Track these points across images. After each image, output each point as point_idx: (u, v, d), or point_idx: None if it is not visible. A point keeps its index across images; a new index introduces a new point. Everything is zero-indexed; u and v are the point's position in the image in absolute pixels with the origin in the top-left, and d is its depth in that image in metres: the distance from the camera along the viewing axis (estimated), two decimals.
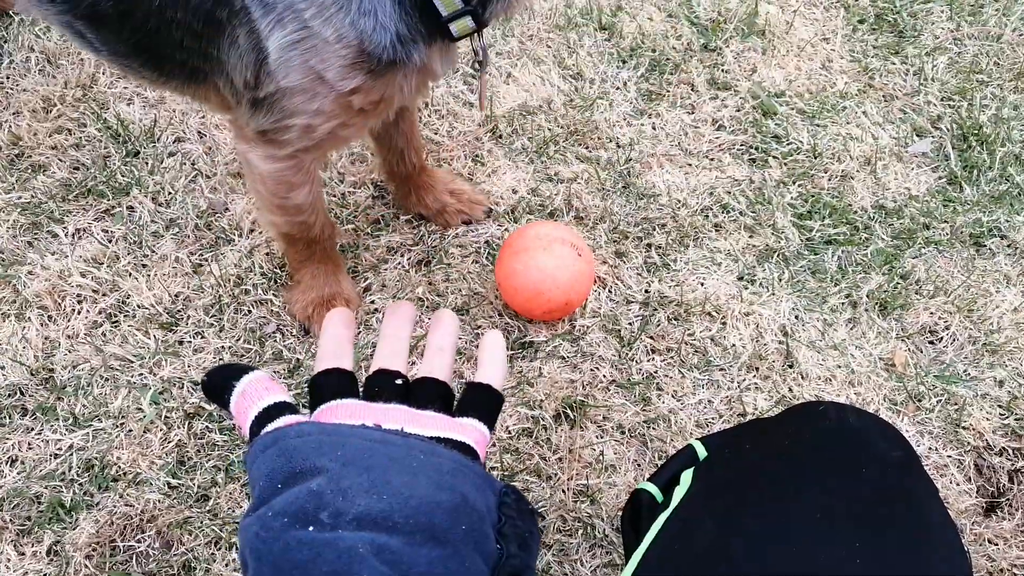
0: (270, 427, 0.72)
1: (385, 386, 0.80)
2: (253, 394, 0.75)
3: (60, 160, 1.72)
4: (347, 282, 1.58)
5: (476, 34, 1.12)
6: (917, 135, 1.97)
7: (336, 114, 1.13)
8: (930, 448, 1.54)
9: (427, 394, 0.80)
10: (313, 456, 0.66)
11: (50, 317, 1.55)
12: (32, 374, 1.49)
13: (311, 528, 0.61)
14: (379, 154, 1.61)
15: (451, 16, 1.06)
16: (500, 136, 1.84)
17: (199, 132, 1.77)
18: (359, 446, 0.68)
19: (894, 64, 2.09)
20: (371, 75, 1.08)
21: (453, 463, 0.70)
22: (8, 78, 1.81)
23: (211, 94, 1.23)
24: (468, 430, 0.77)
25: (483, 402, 0.81)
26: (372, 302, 1.61)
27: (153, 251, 1.63)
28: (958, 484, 1.51)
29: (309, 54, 1.06)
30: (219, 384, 0.77)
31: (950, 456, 1.54)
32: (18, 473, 1.40)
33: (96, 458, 1.42)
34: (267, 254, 1.63)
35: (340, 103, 1.12)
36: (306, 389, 1.45)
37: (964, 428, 1.56)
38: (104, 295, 1.57)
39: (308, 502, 0.62)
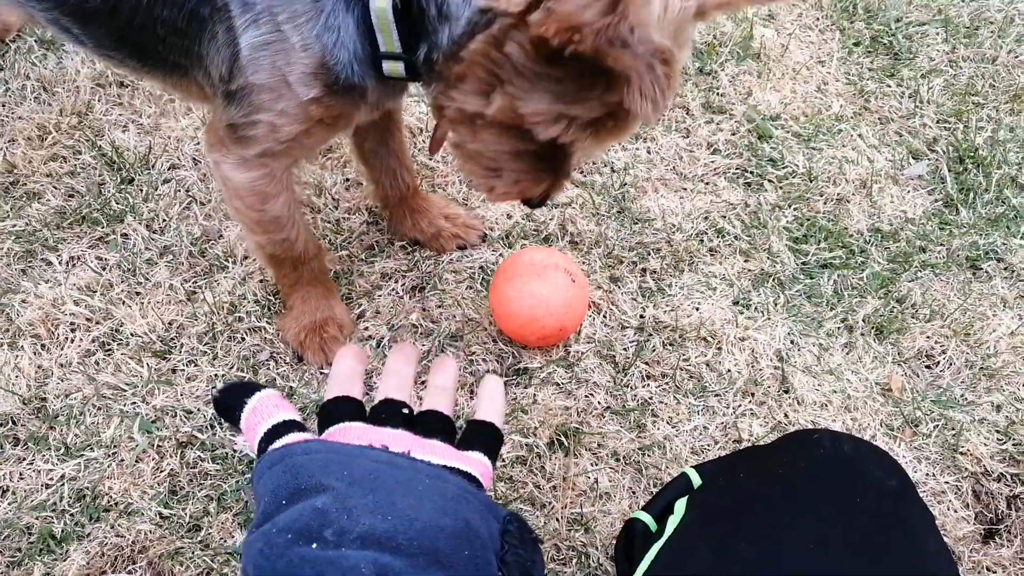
0: (278, 443, 0.73)
1: (391, 414, 0.81)
2: (263, 411, 0.77)
3: (55, 188, 1.72)
4: (340, 307, 1.58)
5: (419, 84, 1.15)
6: (913, 158, 1.97)
7: (299, 119, 1.16)
8: (927, 474, 1.53)
9: (431, 425, 0.81)
10: (319, 474, 0.67)
11: (43, 346, 1.55)
12: (24, 403, 1.49)
13: (315, 545, 0.61)
14: (371, 179, 1.62)
15: (386, 54, 1.09)
16: None
17: (194, 159, 1.78)
18: (366, 467, 0.68)
19: (889, 87, 2.09)
20: (328, 89, 1.12)
21: (458, 489, 0.70)
22: (4, 106, 1.82)
23: (192, 87, 1.27)
24: (473, 462, 0.78)
25: (486, 437, 0.83)
26: (366, 328, 1.61)
27: (147, 279, 1.62)
28: (956, 511, 1.50)
29: (277, 56, 1.09)
30: (231, 400, 0.78)
31: (947, 482, 1.52)
32: (9, 504, 1.39)
33: (87, 488, 1.41)
34: (261, 281, 1.63)
35: (302, 109, 1.15)
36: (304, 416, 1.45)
37: (961, 454, 1.55)
38: (97, 323, 1.57)
39: (313, 519, 0.63)
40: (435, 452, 0.77)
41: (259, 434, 0.75)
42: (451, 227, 1.69)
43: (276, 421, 0.76)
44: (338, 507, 0.63)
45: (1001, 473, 1.54)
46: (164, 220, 1.70)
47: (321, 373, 1.54)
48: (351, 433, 0.77)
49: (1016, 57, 2.18)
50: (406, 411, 0.82)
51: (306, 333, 1.53)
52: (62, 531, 1.37)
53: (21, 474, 1.42)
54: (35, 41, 1.92)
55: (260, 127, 1.18)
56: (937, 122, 2.03)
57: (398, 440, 0.76)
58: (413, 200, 1.65)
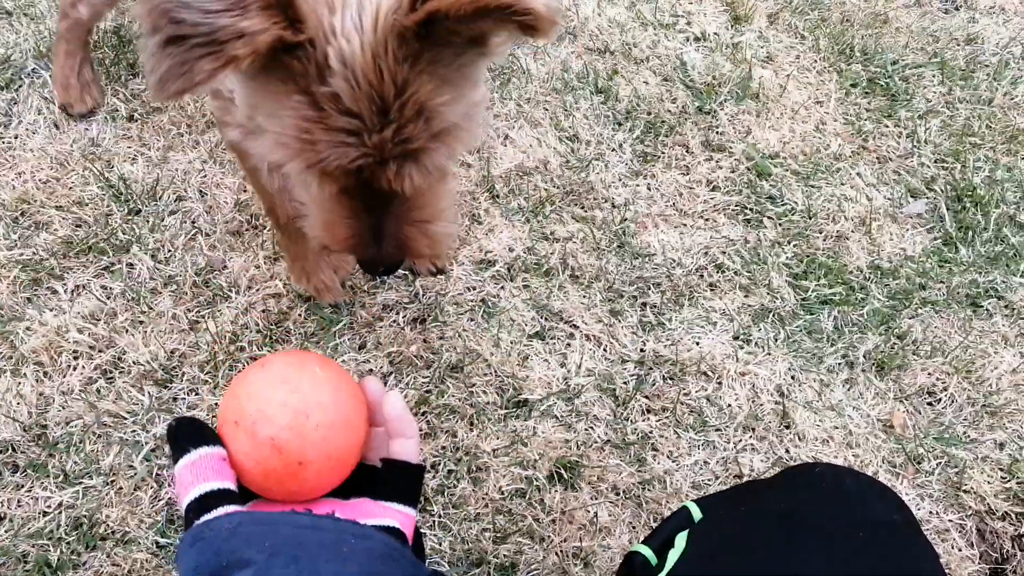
0: (206, 517, 0.73)
1: None
2: (201, 472, 0.75)
3: (63, 218, 1.74)
4: (328, 272, 1.64)
5: None
6: (912, 196, 1.99)
7: None
8: (931, 512, 1.52)
9: (354, 480, 0.82)
10: (241, 548, 0.67)
11: (45, 373, 1.55)
12: (25, 430, 1.49)
13: None
14: None
15: None
16: (497, 196, 1.86)
17: (200, 191, 1.80)
18: (288, 534, 0.69)
19: (887, 127, 2.12)
20: None
21: (384, 547, 0.72)
22: (16, 138, 1.85)
23: None
24: (392, 513, 0.80)
25: (403, 482, 0.83)
26: (367, 360, 1.61)
27: (150, 308, 1.63)
28: (960, 549, 1.48)
29: None
30: (180, 440, 0.77)
31: (951, 520, 1.51)
32: (6, 531, 1.38)
33: (85, 516, 1.41)
34: (263, 311, 1.64)
35: None
36: None
37: (965, 492, 1.54)
38: (100, 351, 1.58)
39: None
40: (357, 511, 0.78)
41: (190, 495, 0.74)
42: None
43: (210, 489, 0.74)
44: None
45: (1006, 512, 1.53)
46: (169, 250, 1.71)
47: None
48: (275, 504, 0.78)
49: (1012, 99, 2.21)
50: None
51: (307, 276, 1.62)
52: (58, 559, 1.36)
53: (19, 501, 1.42)
54: (49, 76, 1.96)
55: None
56: (935, 162, 2.05)
57: (321, 503, 0.78)
58: None
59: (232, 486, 0.76)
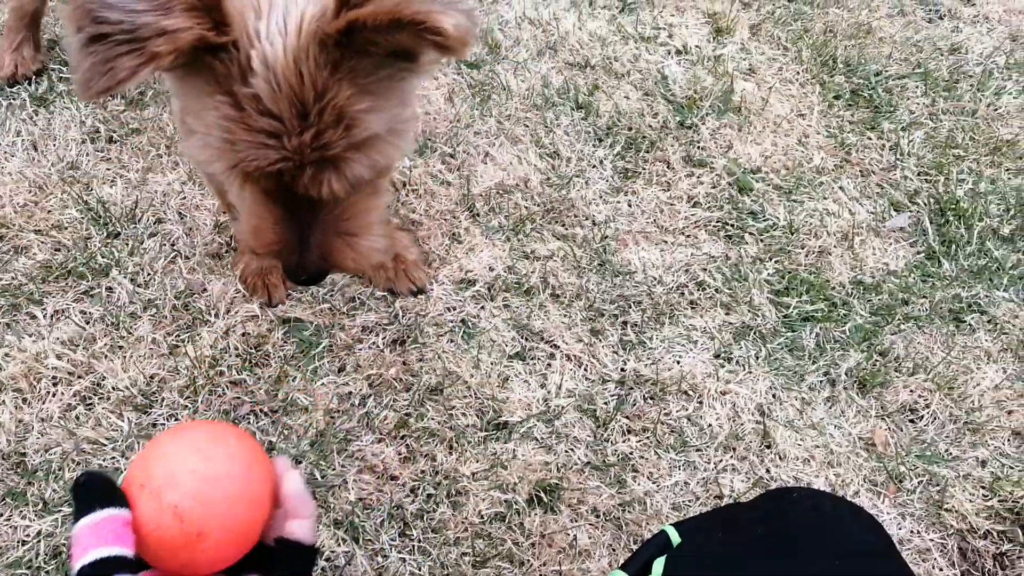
0: None
1: None
2: (101, 535, 0.73)
3: (42, 242, 1.74)
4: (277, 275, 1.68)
5: None
6: (895, 210, 1.99)
7: None
8: (912, 531, 1.51)
9: (244, 561, 0.81)
10: None
11: (24, 400, 1.55)
12: (3, 458, 1.48)
13: None
14: None
15: None
16: (477, 214, 1.86)
17: (180, 213, 1.79)
18: None
19: (870, 139, 2.11)
20: None
21: None
22: None
23: None
24: None
25: (296, 562, 0.83)
26: (346, 383, 1.60)
27: (130, 332, 1.63)
28: (941, 569, 1.48)
29: None
30: (84, 499, 0.76)
31: (933, 539, 1.51)
32: None
33: (64, 545, 1.40)
34: (243, 335, 1.64)
35: None
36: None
37: (947, 510, 1.53)
38: (79, 377, 1.57)
39: None
40: None
41: (86, 558, 0.72)
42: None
43: (107, 555, 0.72)
44: None
45: (987, 530, 1.53)
46: (149, 274, 1.71)
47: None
48: None
49: (995, 110, 2.21)
50: None
51: (252, 276, 1.65)
52: None
53: None
54: (27, 96, 1.96)
55: None
56: (918, 174, 2.05)
57: None
58: None
59: (130, 553, 0.74)
